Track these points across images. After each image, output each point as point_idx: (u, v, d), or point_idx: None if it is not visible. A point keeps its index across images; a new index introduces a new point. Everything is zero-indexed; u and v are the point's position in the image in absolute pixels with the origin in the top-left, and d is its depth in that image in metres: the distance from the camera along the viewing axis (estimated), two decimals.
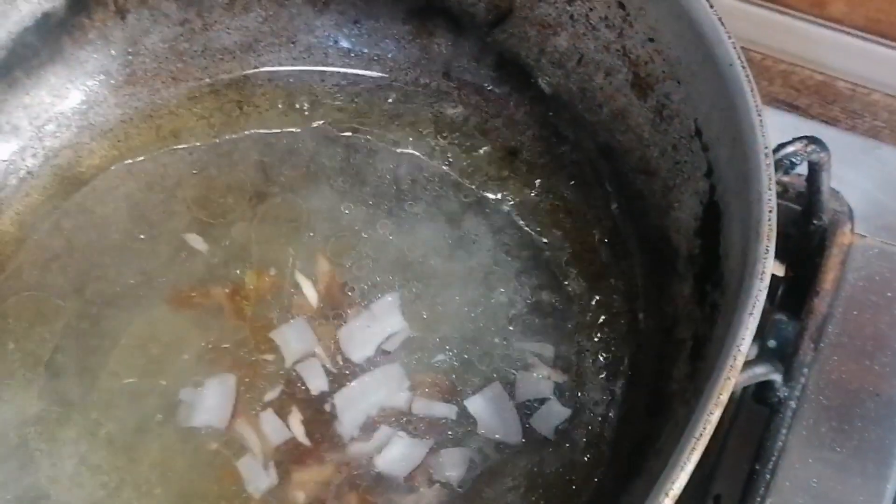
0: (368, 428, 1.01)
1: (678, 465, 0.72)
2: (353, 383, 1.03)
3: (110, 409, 1.01)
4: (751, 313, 0.75)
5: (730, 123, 0.89)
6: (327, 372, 1.03)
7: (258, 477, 0.97)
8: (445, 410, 1.02)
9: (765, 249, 0.77)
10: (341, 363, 1.04)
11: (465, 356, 1.06)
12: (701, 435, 0.72)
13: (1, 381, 1.02)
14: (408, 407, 1.02)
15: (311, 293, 1.09)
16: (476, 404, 1.02)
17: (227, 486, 0.97)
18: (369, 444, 1.00)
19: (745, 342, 0.74)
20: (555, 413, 1.03)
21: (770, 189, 0.81)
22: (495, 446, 1.00)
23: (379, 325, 1.06)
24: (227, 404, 1.01)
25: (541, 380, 1.05)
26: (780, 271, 1.11)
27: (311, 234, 1.14)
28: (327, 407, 1.02)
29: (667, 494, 0.71)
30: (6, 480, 0.96)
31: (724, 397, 0.73)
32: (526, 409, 1.03)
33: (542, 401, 1.03)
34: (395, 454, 0.99)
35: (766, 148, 0.83)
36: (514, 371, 1.05)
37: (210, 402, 1.01)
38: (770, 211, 0.79)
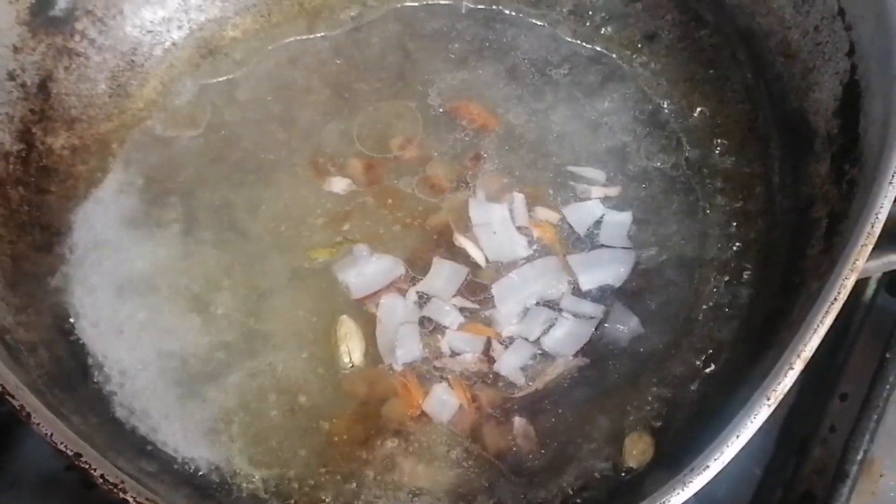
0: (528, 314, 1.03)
1: (811, 327, 0.73)
2: (512, 274, 1.04)
3: (251, 267, 1.06)
4: (890, 182, 0.76)
5: (874, 1, 0.88)
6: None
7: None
8: (592, 310, 1.03)
9: None
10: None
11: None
12: (835, 299, 0.74)
13: (151, 235, 1.08)
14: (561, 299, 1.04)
15: (442, 169, 1.12)
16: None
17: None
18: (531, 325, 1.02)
19: (883, 210, 0.75)
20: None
21: None
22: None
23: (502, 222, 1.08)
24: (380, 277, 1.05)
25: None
26: None
27: (442, 109, 1.17)
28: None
29: (798, 356, 0.73)
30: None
31: (860, 263, 0.75)
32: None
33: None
34: (561, 334, 1.01)
35: None
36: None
37: (364, 272, 1.04)
38: None
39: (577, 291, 1.04)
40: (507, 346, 1.00)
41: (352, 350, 1.00)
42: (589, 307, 1.03)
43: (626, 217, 1.08)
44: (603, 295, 1.04)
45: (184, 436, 0.95)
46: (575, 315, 1.02)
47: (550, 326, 1.02)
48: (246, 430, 0.96)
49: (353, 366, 1.00)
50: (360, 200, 1.10)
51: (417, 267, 1.05)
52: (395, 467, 0.93)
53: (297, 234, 1.08)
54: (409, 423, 0.96)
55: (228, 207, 1.10)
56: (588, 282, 1.04)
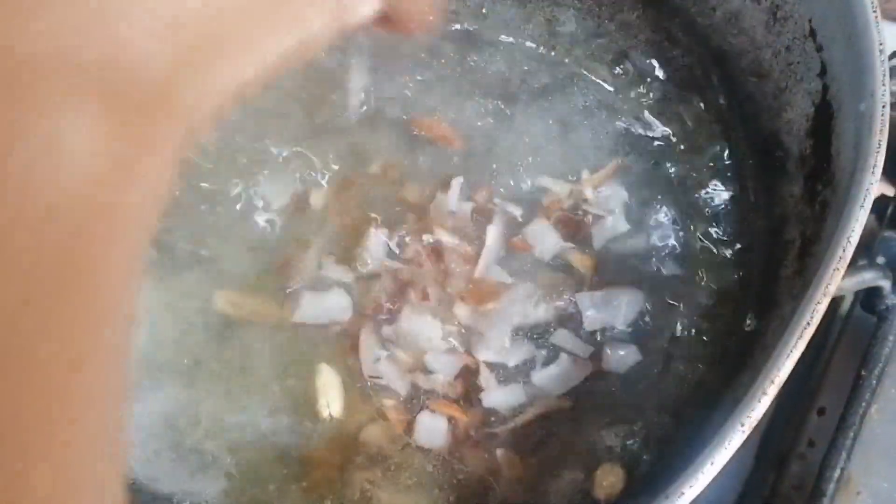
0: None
1: (784, 352, 0.73)
2: (490, 304, 1.02)
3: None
4: (861, 206, 0.76)
5: (845, 22, 0.88)
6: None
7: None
8: (581, 349, 1.01)
9: (877, 144, 0.78)
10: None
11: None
12: (808, 324, 0.74)
13: None
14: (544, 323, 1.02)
15: (411, 194, 1.10)
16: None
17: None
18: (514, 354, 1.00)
19: (854, 234, 0.75)
20: None
21: (884, 85, 0.81)
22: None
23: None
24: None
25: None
26: (889, 191, 1.10)
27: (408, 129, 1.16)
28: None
29: (772, 381, 0.73)
30: None
31: (832, 288, 0.75)
32: None
33: None
34: (554, 372, 1.00)
35: (881, 44, 0.83)
36: None
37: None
38: (883, 106, 0.80)
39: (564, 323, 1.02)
40: (489, 374, 0.99)
41: (331, 402, 0.97)
42: (581, 347, 1.01)
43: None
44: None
45: (159, 466, 0.94)
46: (569, 354, 1.01)
47: (534, 357, 1.00)
48: (220, 469, 0.95)
49: (332, 419, 0.97)
50: (326, 227, 1.09)
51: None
52: (373, 498, 0.93)
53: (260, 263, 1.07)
54: (388, 449, 0.95)
55: (197, 236, 1.08)
56: (594, 322, 1.02)
